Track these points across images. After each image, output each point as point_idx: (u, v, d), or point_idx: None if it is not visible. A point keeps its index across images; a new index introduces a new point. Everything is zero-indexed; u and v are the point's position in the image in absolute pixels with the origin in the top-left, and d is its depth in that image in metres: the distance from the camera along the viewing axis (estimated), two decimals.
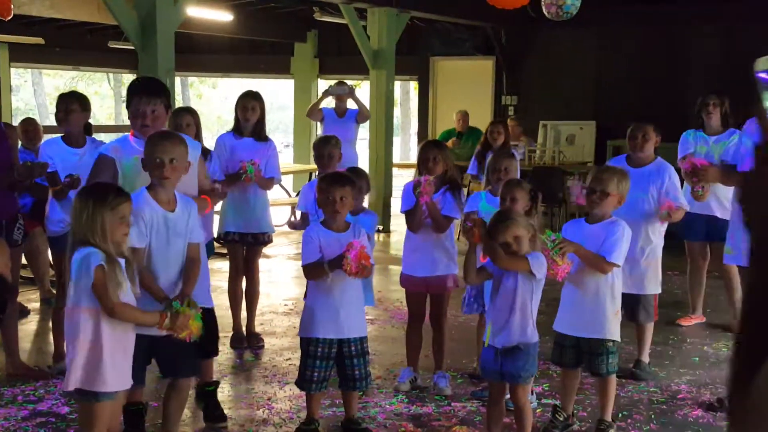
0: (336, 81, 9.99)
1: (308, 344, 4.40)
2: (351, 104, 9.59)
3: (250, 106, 6.10)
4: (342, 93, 9.45)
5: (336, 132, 9.25)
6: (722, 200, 6.53)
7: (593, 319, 4.45)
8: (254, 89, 6.52)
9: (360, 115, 9.48)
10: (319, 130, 15.06)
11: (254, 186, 5.98)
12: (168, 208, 4.01)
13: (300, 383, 4.48)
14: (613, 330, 4.47)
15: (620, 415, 4.84)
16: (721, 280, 6.60)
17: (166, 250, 3.98)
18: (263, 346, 6.19)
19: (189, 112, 5.83)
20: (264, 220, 6.18)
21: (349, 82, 9.94)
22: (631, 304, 5.36)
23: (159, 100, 4.46)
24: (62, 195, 5.24)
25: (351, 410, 4.60)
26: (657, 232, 5.53)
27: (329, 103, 9.78)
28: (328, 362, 4.40)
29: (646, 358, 5.63)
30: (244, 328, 6.23)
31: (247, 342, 6.20)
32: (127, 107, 4.55)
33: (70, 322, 3.55)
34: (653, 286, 5.53)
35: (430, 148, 5.22)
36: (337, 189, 4.30)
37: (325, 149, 5.61)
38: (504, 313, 4.07)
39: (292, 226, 5.65)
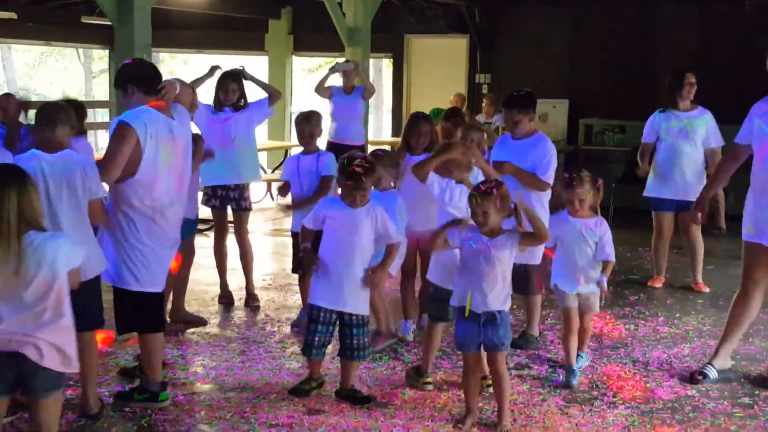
0: (344, 59, 10.23)
1: (311, 310, 4.62)
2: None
3: (230, 88, 6.42)
4: (348, 69, 9.57)
5: (344, 108, 9.56)
6: (689, 181, 6.81)
7: None
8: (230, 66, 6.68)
9: (366, 91, 9.61)
10: (293, 107, 15.10)
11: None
12: None
13: (303, 348, 4.72)
14: None
15: (595, 386, 4.97)
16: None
17: None
18: (259, 306, 6.55)
19: None
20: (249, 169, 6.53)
21: (324, 60, 9.94)
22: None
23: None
24: None
25: (349, 380, 4.70)
26: (541, 205, 5.38)
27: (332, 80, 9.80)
28: (329, 328, 4.62)
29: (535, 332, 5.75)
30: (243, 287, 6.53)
31: (246, 301, 6.61)
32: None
33: None
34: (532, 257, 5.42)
35: (420, 122, 5.70)
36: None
37: (307, 128, 5.82)
38: (491, 280, 4.19)
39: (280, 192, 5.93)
